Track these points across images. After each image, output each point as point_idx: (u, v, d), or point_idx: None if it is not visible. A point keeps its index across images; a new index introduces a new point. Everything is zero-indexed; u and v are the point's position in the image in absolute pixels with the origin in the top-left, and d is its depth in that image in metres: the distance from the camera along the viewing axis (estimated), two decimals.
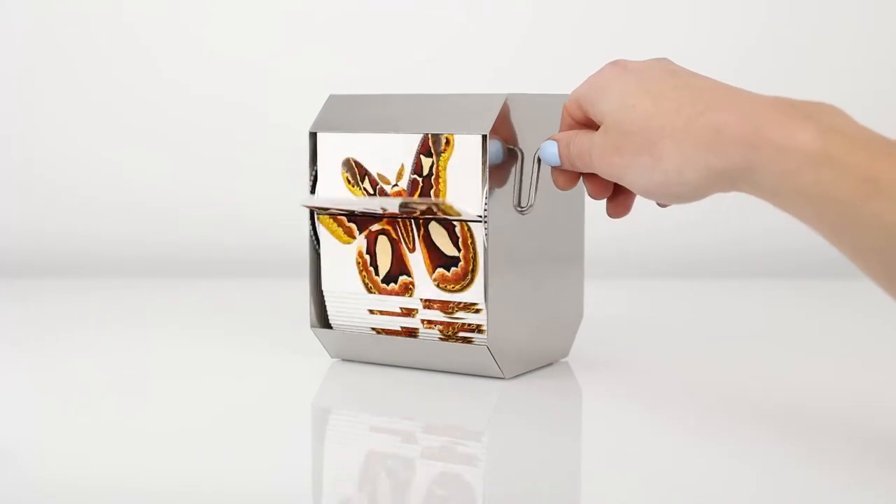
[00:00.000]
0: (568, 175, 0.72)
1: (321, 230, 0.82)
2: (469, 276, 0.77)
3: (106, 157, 1.39)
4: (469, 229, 0.76)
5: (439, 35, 1.41)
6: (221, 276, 1.30)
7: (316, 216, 0.82)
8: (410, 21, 1.41)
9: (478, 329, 0.77)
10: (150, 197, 1.39)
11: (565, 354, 0.85)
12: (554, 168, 0.73)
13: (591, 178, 0.72)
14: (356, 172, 0.80)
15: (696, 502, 0.58)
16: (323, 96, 0.84)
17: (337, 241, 0.81)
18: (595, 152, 0.67)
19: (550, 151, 0.72)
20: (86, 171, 1.39)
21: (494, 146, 0.75)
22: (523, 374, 0.81)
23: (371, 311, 0.81)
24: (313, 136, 0.82)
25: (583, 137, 0.69)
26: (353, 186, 0.80)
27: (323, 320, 0.84)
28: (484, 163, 0.75)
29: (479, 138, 0.75)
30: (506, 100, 0.76)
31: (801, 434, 0.67)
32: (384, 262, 0.79)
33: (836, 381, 0.81)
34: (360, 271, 0.80)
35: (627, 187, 0.67)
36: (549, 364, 0.84)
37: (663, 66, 0.67)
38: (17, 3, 1.39)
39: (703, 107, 0.61)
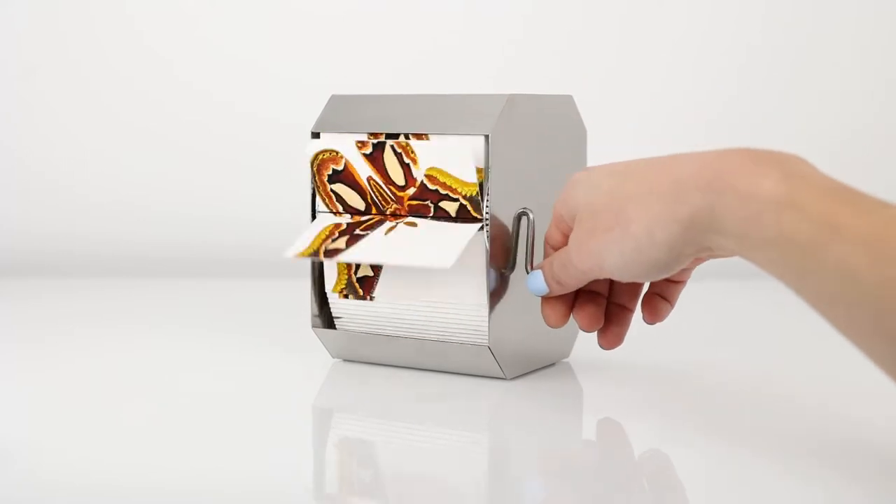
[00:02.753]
0: (558, 309, 0.72)
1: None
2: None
3: (106, 157, 1.39)
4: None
5: (440, 35, 1.41)
6: (221, 276, 1.30)
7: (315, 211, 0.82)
8: (411, 21, 1.41)
9: (478, 330, 0.77)
10: (150, 197, 1.38)
11: (566, 355, 0.85)
12: (543, 303, 0.73)
13: (580, 309, 0.72)
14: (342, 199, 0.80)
15: (696, 501, 0.58)
16: (325, 96, 0.84)
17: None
18: (572, 250, 0.68)
19: (537, 280, 0.72)
20: (86, 171, 1.39)
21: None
22: (524, 374, 0.81)
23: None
24: (315, 136, 0.82)
25: (561, 251, 0.70)
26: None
27: (324, 320, 0.83)
28: (487, 161, 0.75)
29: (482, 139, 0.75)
30: (507, 100, 0.76)
31: (801, 434, 0.67)
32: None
33: (836, 381, 0.81)
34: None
35: (609, 274, 0.66)
36: (551, 364, 0.84)
37: (631, 159, 0.67)
38: (18, 2, 1.39)
39: (667, 167, 0.62)
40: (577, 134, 0.83)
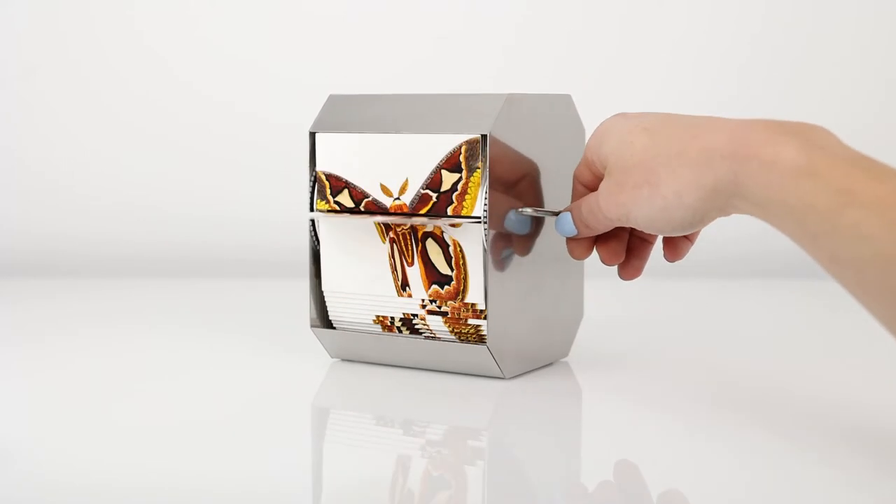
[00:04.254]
0: (583, 243, 0.76)
1: (327, 228, 0.82)
2: (460, 296, 0.77)
3: (106, 157, 1.39)
4: (461, 250, 0.77)
5: (439, 35, 1.41)
6: (221, 276, 1.30)
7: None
8: (410, 21, 1.41)
9: (478, 330, 0.77)
10: (150, 197, 1.39)
11: (565, 354, 0.85)
12: (569, 239, 0.76)
13: (603, 244, 0.75)
14: (326, 186, 0.80)
15: (696, 501, 0.58)
16: (323, 97, 0.84)
17: (373, 239, 0.80)
18: (602, 197, 0.71)
19: (566, 222, 0.75)
20: (86, 171, 1.39)
21: (520, 218, 0.77)
22: (523, 374, 0.81)
23: (375, 317, 0.81)
24: (313, 136, 0.82)
25: (589, 197, 0.73)
26: (321, 201, 0.80)
27: (323, 320, 0.84)
28: (485, 162, 0.75)
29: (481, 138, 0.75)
30: (506, 99, 0.76)
31: (801, 434, 0.67)
32: (399, 269, 0.80)
33: (836, 381, 0.81)
34: (392, 271, 0.80)
35: (635, 225, 0.69)
36: (550, 364, 0.84)
37: (661, 113, 0.71)
38: (18, 2, 1.39)
39: (696, 133, 0.65)
40: (575, 133, 0.83)
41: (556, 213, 0.76)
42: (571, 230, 0.74)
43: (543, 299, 0.81)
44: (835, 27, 1.41)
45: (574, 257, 0.76)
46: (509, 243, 0.77)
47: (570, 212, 0.75)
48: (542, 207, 0.79)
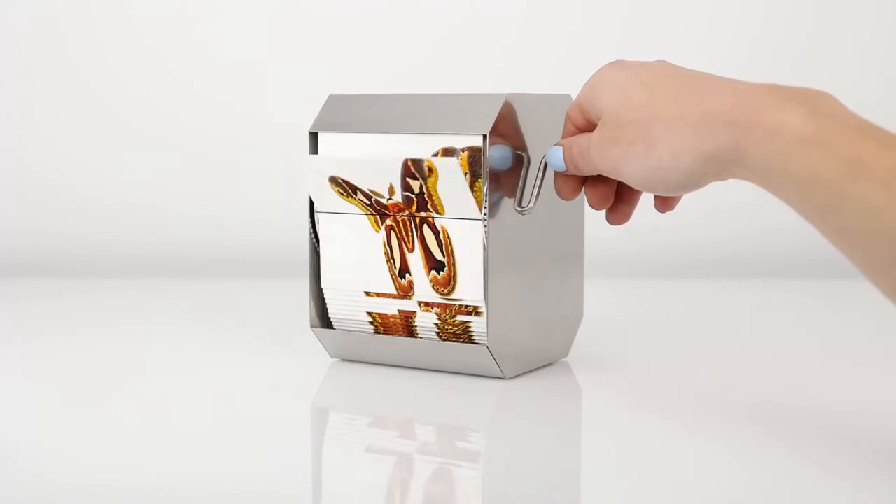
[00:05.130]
0: (571, 183, 0.73)
1: (327, 223, 0.82)
2: (451, 283, 0.77)
3: (106, 157, 1.39)
4: (449, 236, 0.77)
5: (439, 35, 1.41)
6: (221, 276, 1.30)
7: (318, 207, 0.82)
8: (410, 21, 1.41)
9: (465, 326, 0.77)
10: (150, 197, 1.39)
11: (565, 354, 0.85)
12: (557, 176, 0.74)
13: (592, 186, 0.73)
14: (346, 187, 0.80)
15: (696, 501, 0.58)
16: (323, 97, 0.84)
17: (366, 229, 0.80)
18: (593, 147, 0.68)
19: (556, 156, 0.72)
20: (85, 171, 1.39)
21: (503, 151, 0.76)
22: (523, 373, 0.81)
23: (370, 314, 0.81)
24: (314, 135, 0.82)
25: (583, 138, 0.70)
26: (349, 197, 0.80)
27: (323, 320, 0.84)
28: (485, 163, 0.75)
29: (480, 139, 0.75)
30: (506, 100, 0.76)
31: (801, 434, 0.67)
32: (397, 256, 0.80)
33: (835, 381, 0.81)
34: (387, 260, 0.80)
35: (626, 181, 0.67)
36: (549, 364, 0.84)
37: (661, 64, 0.68)
38: (18, 2, 1.39)
39: (699, 93, 0.62)
40: None
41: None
42: (561, 165, 0.72)
43: (543, 299, 0.81)
44: (835, 27, 1.41)
45: (561, 197, 0.74)
46: (498, 186, 0.76)
47: (562, 147, 0.72)
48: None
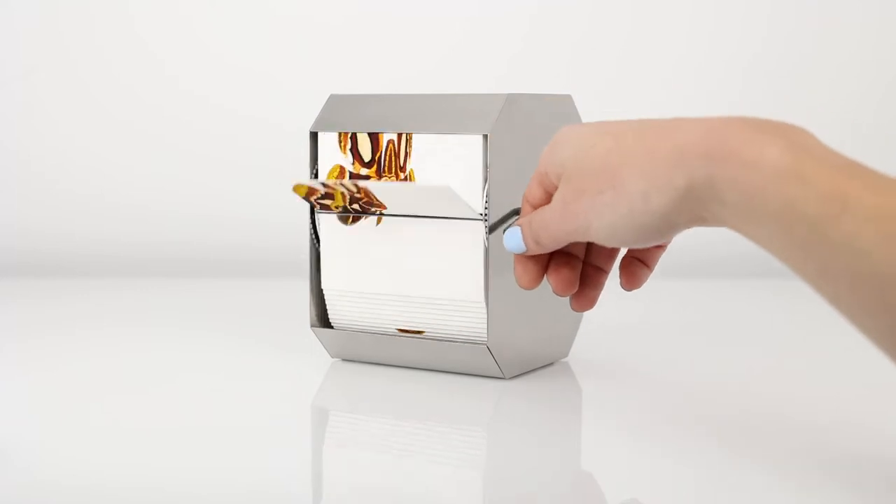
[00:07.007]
0: (532, 270, 0.68)
1: (327, 223, 0.82)
2: (451, 283, 0.77)
3: (106, 157, 1.40)
4: (449, 236, 0.77)
5: (440, 36, 1.41)
6: (221, 276, 1.30)
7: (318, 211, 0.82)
8: (411, 23, 1.41)
9: (477, 330, 0.77)
10: (149, 197, 1.39)
11: (565, 355, 0.85)
12: (516, 262, 0.69)
13: (555, 271, 0.68)
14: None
15: (695, 502, 0.58)
16: (323, 98, 0.84)
17: (366, 229, 0.80)
18: (557, 210, 0.63)
19: (514, 238, 0.67)
20: (86, 171, 1.39)
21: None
22: (523, 374, 0.81)
23: (370, 314, 0.81)
24: (314, 135, 0.82)
25: (541, 211, 0.66)
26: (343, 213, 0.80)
27: (323, 320, 0.84)
28: (485, 163, 0.75)
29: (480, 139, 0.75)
30: (506, 100, 0.76)
31: (801, 433, 0.67)
32: (397, 256, 0.80)
33: (835, 381, 0.81)
34: (387, 260, 0.80)
35: (595, 239, 0.62)
36: (549, 364, 0.84)
37: (626, 119, 0.63)
38: (18, 2, 1.39)
39: (668, 130, 0.59)
40: None
41: (516, 214, 0.70)
42: (519, 246, 0.67)
43: (543, 299, 0.81)
44: (840, 30, 1.41)
45: (521, 285, 0.68)
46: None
47: (521, 227, 0.67)
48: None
